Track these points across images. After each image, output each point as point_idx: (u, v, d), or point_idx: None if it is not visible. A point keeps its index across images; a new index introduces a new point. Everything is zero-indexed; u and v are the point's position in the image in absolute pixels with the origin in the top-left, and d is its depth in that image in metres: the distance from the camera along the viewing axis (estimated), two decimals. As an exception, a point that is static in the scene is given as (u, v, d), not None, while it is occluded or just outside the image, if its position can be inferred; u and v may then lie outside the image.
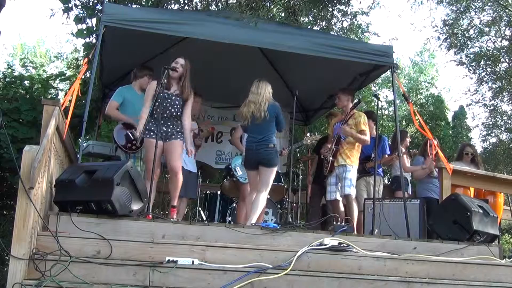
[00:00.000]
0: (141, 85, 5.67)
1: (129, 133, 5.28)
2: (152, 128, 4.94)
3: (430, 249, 4.69)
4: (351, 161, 5.76)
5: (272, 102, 5.25)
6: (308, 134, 6.08)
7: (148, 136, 4.92)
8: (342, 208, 5.70)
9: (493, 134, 15.39)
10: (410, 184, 6.94)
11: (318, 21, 9.57)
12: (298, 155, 8.82)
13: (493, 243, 5.01)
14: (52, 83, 8.51)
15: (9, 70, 8.78)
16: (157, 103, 4.89)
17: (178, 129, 5.06)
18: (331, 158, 5.78)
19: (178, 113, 5.06)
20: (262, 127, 5.18)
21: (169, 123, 5.03)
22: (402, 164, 6.12)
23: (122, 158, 5.39)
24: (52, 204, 4.30)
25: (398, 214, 5.44)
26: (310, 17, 9.79)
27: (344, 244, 4.26)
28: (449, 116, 16.03)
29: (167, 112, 5.00)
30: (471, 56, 13.54)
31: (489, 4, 12.52)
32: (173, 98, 5.03)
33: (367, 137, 5.79)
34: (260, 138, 5.17)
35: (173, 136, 4.99)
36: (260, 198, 5.09)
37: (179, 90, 5.09)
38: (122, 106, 5.57)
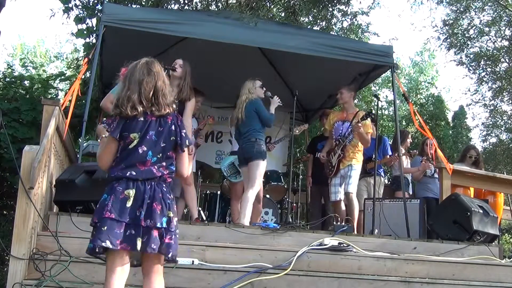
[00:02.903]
0: None
1: None
2: None
3: (430, 249, 4.70)
4: (357, 160, 5.71)
5: (250, 99, 5.27)
6: (296, 127, 6.05)
7: None
8: (343, 208, 5.69)
9: (493, 134, 15.38)
10: (410, 184, 6.94)
11: (318, 21, 9.57)
12: (298, 155, 8.82)
13: (493, 243, 5.02)
14: (52, 83, 8.51)
15: (9, 70, 8.79)
16: None
17: None
18: (336, 162, 5.71)
19: None
20: (245, 125, 5.26)
21: None
22: (401, 165, 6.11)
23: None
24: (52, 204, 4.30)
25: (398, 214, 5.44)
26: (310, 17, 9.79)
27: (344, 244, 4.26)
28: (449, 116, 16.04)
29: None
30: (471, 56, 13.53)
31: (489, 4, 12.52)
32: None
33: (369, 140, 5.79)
34: (244, 135, 5.25)
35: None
36: (244, 197, 5.07)
37: (177, 93, 5.04)
38: None
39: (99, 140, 2.88)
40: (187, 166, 2.67)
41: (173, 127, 2.57)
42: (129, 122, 2.51)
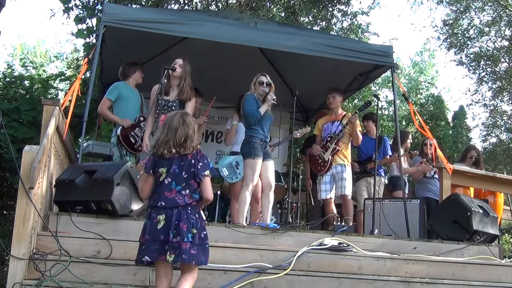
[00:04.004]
0: (136, 81, 5.56)
1: (133, 134, 5.22)
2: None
3: (430, 249, 4.70)
4: (348, 160, 5.85)
5: (246, 95, 5.25)
6: (298, 129, 6.02)
7: None
8: (334, 207, 5.74)
9: (493, 134, 15.38)
10: (407, 184, 6.93)
11: (318, 21, 9.55)
12: (298, 155, 8.81)
13: (493, 243, 5.01)
14: (52, 83, 8.51)
15: (9, 70, 8.79)
16: (157, 111, 4.85)
17: None
18: (330, 157, 5.78)
19: None
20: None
21: None
22: (400, 165, 6.11)
23: (115, 157, 5.29)
24: (52, 204, 4.30)
25: (398, 214, 5.44)
26: (310, 17, 9.77)
27: (344, 244, 4.26)
28: (449, 116, 16.03)
29: None
30: (471, 56, 13.53)
31: (489, 4, 12.52)
32: (170, 104, 4.98)
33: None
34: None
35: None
36: (239, 197, 5.08)
37: (178, 93, 5.03)
38: (117, 103, 5.40)
39: (138, 176, 3.59)
40: (210, 191, 3.25)
41: (192, 161, 3.19)
42: (159, 160, 3.19)
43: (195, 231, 3.08)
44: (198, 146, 3.28)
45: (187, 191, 3.14)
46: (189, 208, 3.13)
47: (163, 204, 3.10)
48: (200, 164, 3.20)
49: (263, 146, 5.12)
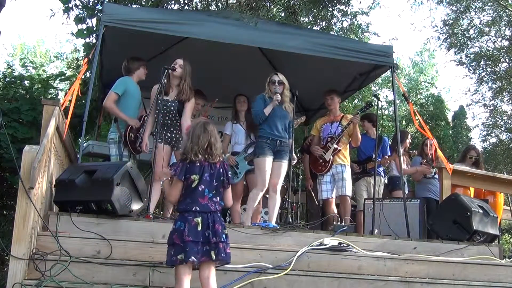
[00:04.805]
0: (139, 77, 5.46)
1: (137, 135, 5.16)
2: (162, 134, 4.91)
3: (430, 249, 4.70)
4: (348, 160, 5.88)
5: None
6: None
7: (160, 141, 4.86)
8: (335, 207, 5.75)
9: (493, 134, 15.40)
10: (406, 183, 6.93)
11: (318, 21, 9.55)
12: (298, 155, 8.81)
13: (493, 243, 5.02)
14: (52, 83, 8.50)
15: (9, 70, 8.79)
16: (157, 110, 4.85)
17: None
18: (331, 157, 5.79)
19: (178, 119, 5.00)
20: None
21: (172, 129, 4.98)
22: (400, 165, 6.12)
23: (113, 154, 5.18)
24: (52, 204, 4.30)
25: (398, 214, 5.44)
26: (310, 17, 9.77)
27: (344, 244, 4.26)
28: (449, 116, 16.05)
29: (167, 118, 4.98)
30: (471, 56, 13.54)
31: (489, 4, 12.53)
32: (169, 104, 4.97)
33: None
34: None
35: (180, 145, 4.92)
36: (250, 194, 5.14)
37: (177, 94, 5.02)
38: (121, 98, 5.24)
39: (161, 182, 3.77)
40: (231, 198, 3.60)
41: (221, 170, 3.47)
42: (190, 167, 3.39)
43: (226, 232, 3.37)
44: (222, 155, 3.56)
45: (218, 198, 3.42)
46: (218, 212, 3.42)
47: (198, 209, 3.33)
48: (230, 173, 3.53)
49: (272, 144, 5.12)
